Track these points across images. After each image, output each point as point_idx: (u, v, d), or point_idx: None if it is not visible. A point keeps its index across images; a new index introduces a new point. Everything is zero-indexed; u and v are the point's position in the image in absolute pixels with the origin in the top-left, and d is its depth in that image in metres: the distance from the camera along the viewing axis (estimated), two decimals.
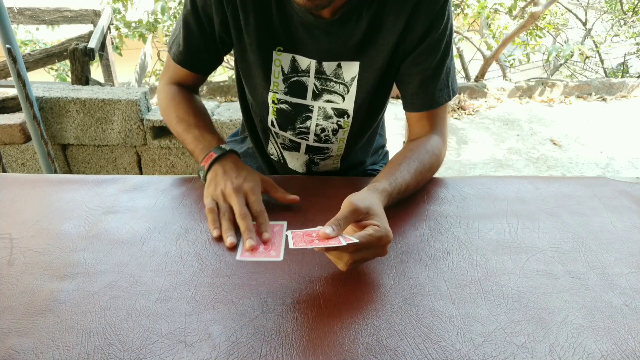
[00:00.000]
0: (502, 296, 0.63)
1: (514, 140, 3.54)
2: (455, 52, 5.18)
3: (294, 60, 0.88)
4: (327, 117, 0.93)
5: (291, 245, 0.62)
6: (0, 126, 2.31)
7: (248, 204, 0.78)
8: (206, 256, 0.70)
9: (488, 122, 3.90)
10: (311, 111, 0.93)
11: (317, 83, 0.90)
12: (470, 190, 0.88)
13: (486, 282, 0.65)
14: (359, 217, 0.67)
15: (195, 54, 0.93)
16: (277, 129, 0.98)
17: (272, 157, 1.07)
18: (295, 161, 1.03)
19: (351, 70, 0.87)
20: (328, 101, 0.91)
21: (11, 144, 2.38)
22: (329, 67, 0.88)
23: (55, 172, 2.30)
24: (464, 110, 4.10)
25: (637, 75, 5.60)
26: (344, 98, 0.91)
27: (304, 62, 0.88)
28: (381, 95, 0.94)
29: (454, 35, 4.56)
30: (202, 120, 0.93)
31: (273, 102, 0.93)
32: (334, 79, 0.89)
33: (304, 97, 0.92)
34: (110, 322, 0.58)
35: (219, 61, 0.98)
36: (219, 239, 0.74)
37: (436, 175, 0.92)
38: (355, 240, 0.61)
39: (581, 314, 0.60)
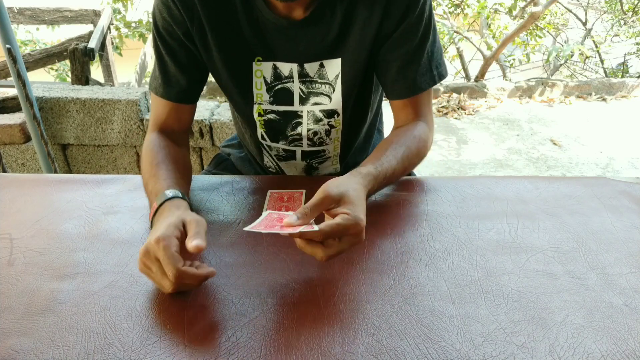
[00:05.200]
0: (502, 296, 0.63)
1: (514, 140, 3.54)
2: (455, 52, 5.19)
3: (275, 68, 0.86)
4: (317, 120, 0.92)
5: (263, 231, 0.61)
6: (0, 126, 2.31)
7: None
8: (206, 256, 0.70)
9: (488, 122, 3.90)
10: (300, 116, 0.92)
11: (302, 87, 0.88)
12: (470, 190, 0.88)
13: (486, 282, 0.65)
14: (330, 205, 0.64)
15: (174, 82, 0.87)
16: (268, 142, 0.97)
17: (270, 169, 1.06)
18: (293, 169, 1.02)
19: (334, 68, 0.86)
20: (316, 104, 0.90)
21: (11, 144, 2.38)
22: (311, 68, 0.86)
23: (55, 172, 2.30)
24: (464, 110, 4.10)
25: (637, 75, 5.60)
26: (330, 98, 0.90)
27: (286, 67, 0.86)
28: (367, 88, 0.93)
29: (455, 35, 4.57)
30: (163, 169, 0.79)
31: (259, 114, 0.92)
32: (319, 80, 0.87)
33: (291, 104, 0.90)
34: (110, 322, 0.58)
35: (201, 85, 0.92)
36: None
37: (436, 175, 0.92)
38: (315, 229, 0.59)
39: (581, 314, 0.60)
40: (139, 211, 0.81)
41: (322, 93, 0.89)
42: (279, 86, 0.88)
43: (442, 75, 0.88)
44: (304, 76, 0.87)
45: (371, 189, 0.72)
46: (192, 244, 0.59)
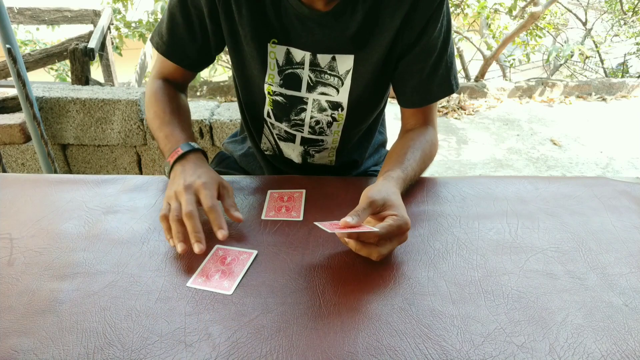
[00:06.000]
0: (502, 296, 0.63)
1: (514, 140, 3.54)
2: (455, 52, 5.19)
3: (288, 53, 0.88)
4: (321, 110, 0.94)
5: (329, 231, 0.65)
6: (0, 126, 2.31)
7: (199, 201, 0.74)
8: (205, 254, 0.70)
9: (488, 122, 3.90)
10: (306, 103, 0.93)
11: (311, 75, 0.90)
12: (470, 190, 0.88)
13: (486, 282, 0.65)
14: (376, 209, 0.69)
15: (179, 46, 0.92)
16: (272, 120, 0.99)
17: (267, 152, 1.07)
18: (290, 151, 1.04)
19: (346, 63, 0.88)
20: (322, 93, 0.92)
21: (11, 144, 2.38)
22: (323, 59, 0.88)
23: (55, 172, 2.30)
24: (464, 110, 4.10)
25: (637, 75, 5.60)
26: (338, 91, 0.91)
27: (299, 54, 0.88)
28: (378, 89, 0.95)
29: (454, 35, 4.57)
30: (176, 118, 0.90)
31: (269, 93, 0.94)
32: (329, 72, 0.89)
33: (299, 90, 0.92)
34: (110, 322, 0.58)
35: (208, 58, 0.96)
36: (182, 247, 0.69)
37: (436, 175, 0.93)
38: (377, 230, 0.65)
39: (581, 314, 0.60)
40: (139, 211, 0.81)
41: (330, 84, 0.91)
42: (289, 71, 0.90)
43: (457, 86, 0.93)
44: (315, 65, 0.89)
45: (402, 191, 0.78)
46: (235, 214, 0.76)
